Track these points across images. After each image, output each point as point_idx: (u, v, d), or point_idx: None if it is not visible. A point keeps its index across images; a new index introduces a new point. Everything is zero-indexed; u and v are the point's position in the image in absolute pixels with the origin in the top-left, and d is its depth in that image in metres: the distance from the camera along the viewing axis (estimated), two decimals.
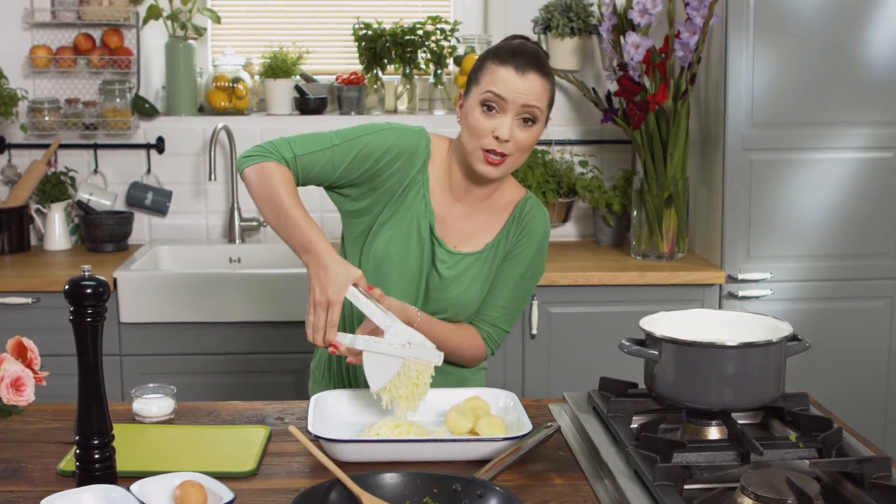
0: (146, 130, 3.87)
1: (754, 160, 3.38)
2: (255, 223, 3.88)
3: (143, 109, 3.81)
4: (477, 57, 2.26)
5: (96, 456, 1.67)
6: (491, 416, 1.94)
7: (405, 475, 1.64)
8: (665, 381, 1.82)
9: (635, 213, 3.60)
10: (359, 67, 3.92)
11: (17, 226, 3.70)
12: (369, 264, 2.18)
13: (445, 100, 3.97)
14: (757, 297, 3.42)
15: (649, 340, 1.84)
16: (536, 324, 3.40)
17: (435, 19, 3.86)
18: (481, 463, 1.78)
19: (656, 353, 1.81)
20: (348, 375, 2.29)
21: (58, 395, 2.14)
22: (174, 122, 3.88)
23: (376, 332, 1.96)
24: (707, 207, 3.55)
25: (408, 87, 3.91)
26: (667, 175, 3.52)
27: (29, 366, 1.73)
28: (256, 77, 4.01)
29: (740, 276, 3.42)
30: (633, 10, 3.47)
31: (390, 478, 1.63)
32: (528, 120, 2.10)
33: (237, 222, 3.85)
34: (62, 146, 3.84)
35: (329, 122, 3.82)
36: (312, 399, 1.99)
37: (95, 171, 3.88)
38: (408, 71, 3.89)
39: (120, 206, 3.88)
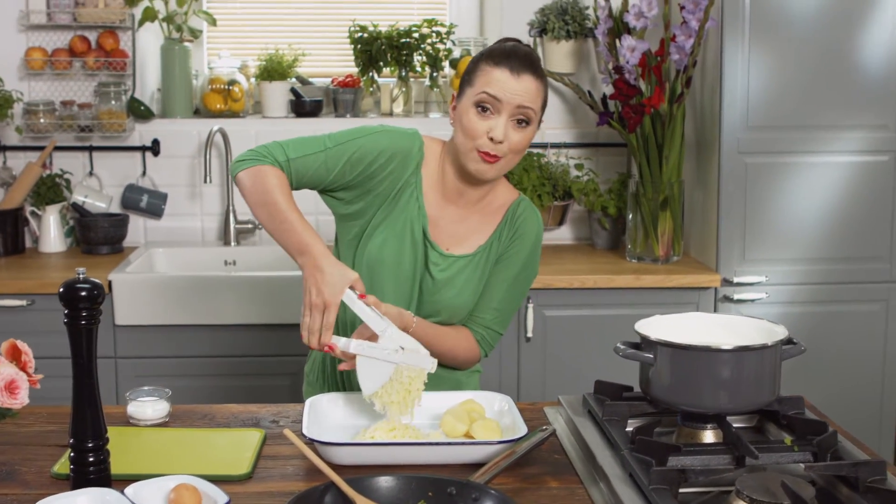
0: (141, 133, 3.87)
1: (749, 163, 3.39)
2: (250, 226, 3.88)
3: (139, 112, 3.81)
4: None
5: (91, 459, 1.67)
6: (486, 420, 1.94)
7: (400, 478, 1.64)
8: (660, 385, 1.81)
9: (631, 216, 3.60)
10: (354, 70, 3.92)
11: (11, 228, 3.69)
12: (363, 267, 2.18)
13: (441, 102, 3.97)
14: (752, 301, 3.42)
15: (644, 344, 1.84)
16: (532, 327, 3.40)
17: (431, 22, 3.86)
18: (476, 466, 1.78)
19: (651, 356, 1.81)
20: (342, 378, 2.29)
21: (52, 398, 2.14)
22: (169, 124, 3.88)
23: (372, 338, 1.96)
24: (702, 211, 3.55)
25: (403, 89, 3.91)
26: (662, 178, 3.52)
27: (23, 369, 1.73)
28: (252, 79, 4.01)
29: (736, 280, 3.42)
30: (628, 13, 3.47)
31: (385, 481, 1.63)
32: (523, 121, 2.10)
33: (232, 225, 3.85)
34: (57, 148, 3.84)
35: (325, 125, 3.80)
36: (307, 402, 1.98)
37: (90, 174, 3.87)
38: (403, 74, 3.89)
39: (115, 208, 3.87)
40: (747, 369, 1.77)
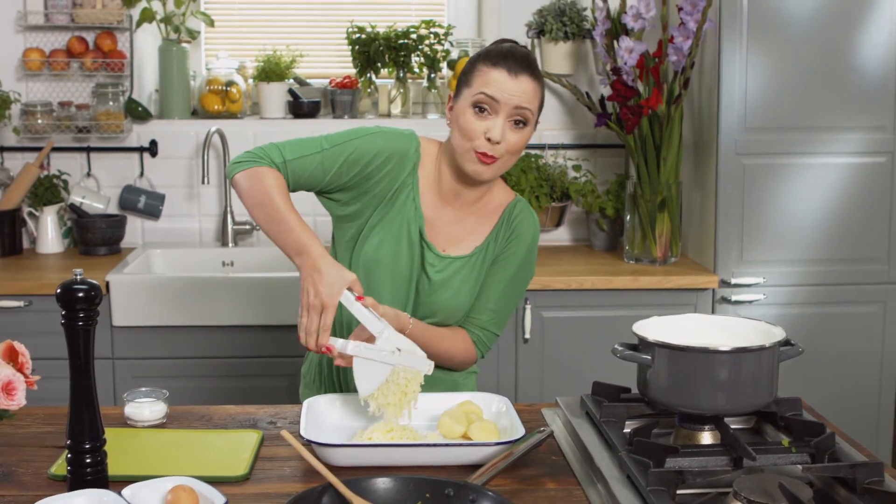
0: (139, 134, 3.87)
1: (747, 165, 3.39)
2: (247, 227, 3.87)
3: (137, 112, 3.81)
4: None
5: (88, 460, 1.67)
6: (484, 421, 1.93)
7: (398, 480, 1.64)
8: (658, 386, 1.81)
9: (628, 217, 3.60)
10: (352, 71, 3.92)
11: (9, 229, 3.69)
12: (360, 268, 2.18)
13: (439, 104, 3.97)
14: (750, 302, 3.42)
15: (642, 345, 1.84)
16: (529, 328, 3.40)
17: (429, 23, 3.86)
18: (474, 467, 1.78)
19: (649, 357, 1.81)
20: (339, 380, 2.29)
21: (50, 399, 2.13)
22: (167, 125, 3.88)
23: (369, 340, 1.96)
24: (700, 212, 3.55)
25: (401, 90, 3.91)
26: (660, 179, 3.52)
27: (20, 370, 1.73)
28: (250, 80, 4.01)
29: (733, 281, 3.42)
30: (626, 14, 3.48)
31: (383, 482, 1.63)
32: (520, 122, 2.10)
33: (230, 226, 3.85)
34: (55, 149, 3.84)
35: (322, 126, 3.81)
36: (305, 403, 1.98)
37: (88, 175, 3.87)
38: (401, 75, 3.89)
39: (113, 209, 3.87)
40: (745, 371, 1.77)
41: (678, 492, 1.60)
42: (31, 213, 3.78)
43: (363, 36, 3.84)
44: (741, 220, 3.41)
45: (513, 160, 2.14)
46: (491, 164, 2.10)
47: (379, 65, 3.85)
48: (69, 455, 1.67)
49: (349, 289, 1.95)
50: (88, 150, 3.85)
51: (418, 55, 3.86)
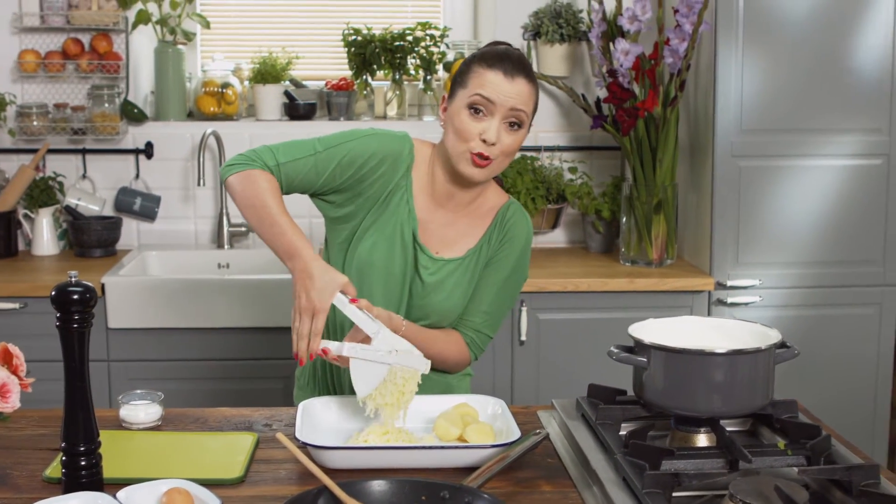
0: (135, 135, 3.87)
1: (743, 167, 3.39)
2: (243, 229, 3.87)
3: (132, 114, 3.80)
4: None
5: (82, 463, 1.66)
6: (479, 423, 1.93)
7: (393, 482, 1.64)
8: (654, 389, 1.81)
9: (624, 219, 3.60)
10: (348, 73, 3.92)
11: (4, 231, 3.68)
12: (353, 270, 2.17)
13: (435, 106, 3.97)
14: (746, 304, 3.42)
15: (638, 347, 1.84)
16: (525, 330, 3.40)
17: (425, 25, 3.85)
18: (470, 470, 1.78)
19: (645, 360, 1.81)
20: (333, 383, 2.28)
21: (45, 401, 2.13)
22: (163, 127, 3.87)
23: (364, 341, 1.96)
24: (696, 214, 3.56)
25: (397, 92, 3.91)
26: (656, 181, 3.52)
27: (14, 372, 1.72)
28: (246, 82, 4.00)
29: (729, 283, 3.42)
30: (622, 16, 3.48)
31: (378, 485, 1.63)
32: (515, 124, 2.10)
33: (226, 228, 3.85)
34: (50, 151, 3.83)
35: (318, 128, 3.81)
36: (300, 406, 1.98)
37: (84, 177, 3.86)
38: (397, 77, 3.88)
39: (108, 211, 3.87)
40: (741, 373, 1.77)
41: (674, 494, 1.60)
42: (26, 215, 3.78)
43: (359, 38, 3.83)
44: (737, 222, 3.41)
45: (507, 162, 2.14)
46: (485, 166, 2.10)
47: (375, 67, 3.85)
48: (64, 457, 1.67)
49: (342, 291, 1.95)
50: (84, 151, 3.85)
51: (414, 57, 3.86)
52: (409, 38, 3.83)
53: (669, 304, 3.40)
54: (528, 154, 3.89)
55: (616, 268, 3.57)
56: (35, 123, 3.75)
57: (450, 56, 3.90)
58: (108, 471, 1.72)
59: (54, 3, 3.74)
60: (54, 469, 1.78)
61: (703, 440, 1.82)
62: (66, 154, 3.86)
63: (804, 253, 3.44)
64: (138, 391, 2.08)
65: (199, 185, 3.65)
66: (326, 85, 3.93)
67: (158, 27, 3.80)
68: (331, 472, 1.73)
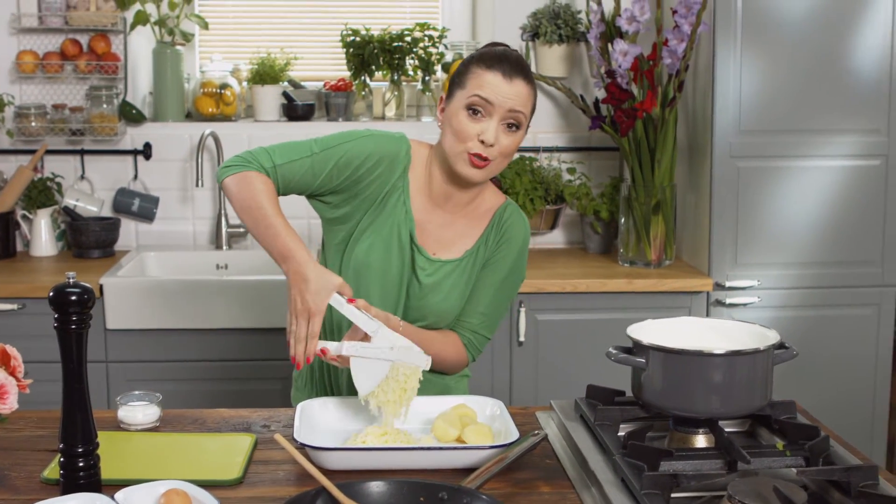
0: (133, 136, 3.86)
1: (742, 167, 3.39)
2: (242, 230, 3.87)
3: (131, 115, 3.80)
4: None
5: (80, 464, 1.66)
6: (478, 424, 1.93)
7: (392, 483, 1.63)
8: (652, 389, 1.81)
9: (623, 220, 3.60)
10: (347, 74, 3.92)
11: (2, 231, 3.68)
12: (350, 271, 2.17)
13: (433, 106, 3.97)
14: (744, 305, 3.42)
15: (636, 348, 1.84)
16: (524, 331, 3.39)
17: (423, 26, 3.85)
18: (468, 471, 1.77)
19: (643, 360, 1.81)
20: (330, 384, 2.28)
21: (44, 402, 2.13)
22: (161, 128, 3.87)
23: (363, 340, 1.96)
24: (694, 215, 3.56)
25: (396, 93, 3.91)
26: (654, 182, 3.52)
27: (12, 374, 1.72)
28: (244, 83, 4.00)
29: (728, 284, 3.42)
30: (620, 17, 3.48)
31: (376, 486, 1.63)
32: (513, 125, 2.10)
33: (224, 229, 3.84)
34: (49, 152, 3.83)
35: (317, 129, 3.81)
36: (298, 407, 1.98)
37: (82, 177, 3.86)
38: (396, 77, 3.88)
39: (106, 212, 3.87)
40: (739, 374, 1.77)
41: (672, 495, 1.60)
42: (24, 216, 3.77)
43: (357, 38, 3.83)
44: (735, 222, 3.41)
45: (505, 163, 2.14)
46: (483, 167, 2.10)
47: (373, 67, 3.85)
48: (62, 459, 1.67)
49: (338, 292, 1.95)
50: (82, 152, 3.84)
51: (413, 58, 3.86)
52: (408, 38, 3.83)
53: (668, 305, 3.40)
54: (527, 155, 3.89)
55: (614, 268, 3.57)
56: (33, 124, 3.75)
57: (448, 57, 3.89)
58: (107, 472, 1.72)
59: (52, 4, 3.73)
60: (52, 470, 1.78)
61: (701, 441, 1.82)
62: (64, 155, 3.86)
63: (803, 254, 3.44)
64: (136, 392, 2.07)
65: (197, 185, 3.65)
66: (325, 86, 3.93)
67: (157, 28, 3.80)
68: (329, 473, 1.73)
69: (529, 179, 3.77)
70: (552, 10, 3.83)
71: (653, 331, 1.90)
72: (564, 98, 3.92)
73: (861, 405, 3.51)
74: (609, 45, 3.57)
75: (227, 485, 1.75)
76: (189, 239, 3.93)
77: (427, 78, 3.89)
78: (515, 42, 3.85)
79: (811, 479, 1.64)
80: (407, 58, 3.85)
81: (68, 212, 3.74)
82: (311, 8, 4.08)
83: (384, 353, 1.92)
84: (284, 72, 3.93)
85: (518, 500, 1.70)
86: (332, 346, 1.94)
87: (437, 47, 3.87)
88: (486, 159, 2.09)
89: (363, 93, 3.92)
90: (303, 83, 4.02)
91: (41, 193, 3.75)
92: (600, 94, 3.75)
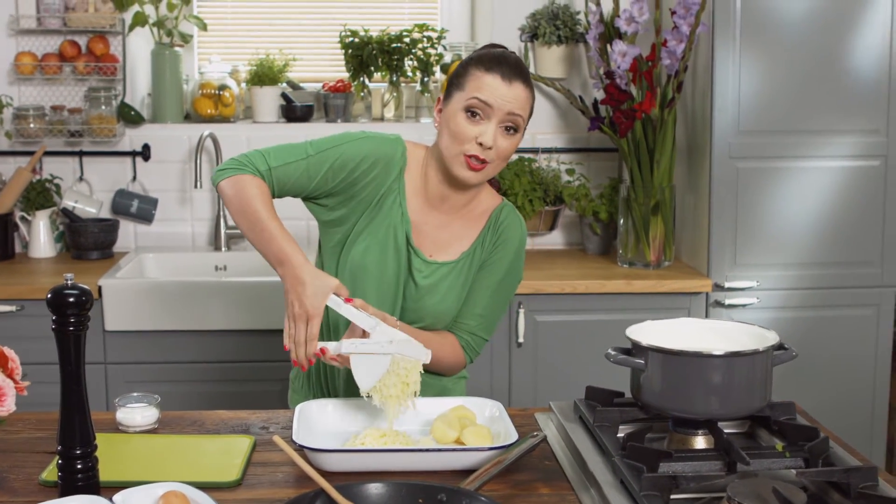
0: (132, 138, 3.86)
1: (741, 168, 3.39)
2: (240, 231, 3.86)
3: (129, 117, 3.80)
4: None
5: (79, 466, 1.66)
6: (477, 426, 1.93)
7: (390, 485, 1.63)
8: (651, 391, 1.81)
9: (622, 221, 3.60)
10: (345, 75, 3.92)
11: (1, 233, 3.68)
12: (346, 274, 2.17)
13: (432, 108, 3.96)
14: (744, 306, 3.42)
15: (636, 349, 1.83)
16: (523, 332, 3.39)
17: (422, 27, 3.85)
18: (467, 473, 1.77)
19: (643, 362, 1.81)
20: (328, 386, 2.28)
21: (43, 404, 2.13)
22: (160, 129, 3.87)
23: (363, 337, 1.96)
24: (694, 216, 3.55)
25: (394, 94, 3.91)
26: (653, 183, 3.52)
27: (10, 375, 1.72)
28: (243, 84, 4.00)
29: (727, 285, 3.42)
30: (619, 18, 3.47)
31: (375, 488, 1.63)
32: (511, 128, 2.09)
33: (223, 230, 3.84)
34: (47, 153, 3.83)
35: (315, 130, 3.81)
36: (297, 408, 1.98)
37: (81, 179, 3.86)
38: (394, 79, 3.88)
39: (105, 213, 3.86)
40: (738, 375, 1.76)
41: (672, 496, 1.60)
42: (23, 218, 3.77)
43: (356, 40, 3.83)
44: (735, 223, 3.41)
45: (501, 166, 2.14)
46: (480, 170, 2.10)
47: (372, 69, 3.85)
48: (60, 461, 1.67)
49: (335, 294, 1.95)
50: (81, 154, 3.84)
51: (411, 59, 3.86)
52: (407, 39, 3.83)
53: (667, 306, 3.39)
54: (526, 156, 3.88)
55: (613, 269, 3.57)
56: (32, 126, 3.74)
57: (447, 58, 3.89)
58: (105, 474, 1.72)
59: (51, 6, 3.73)
60: (50, 472, 1.78)
61: (700, 442, 1.81)
62: (62, 156, 3.85)
63: (802, 254, 3.43)
64: (135, 394, 2.07)
65: (196, 187, 3.65)
66: (323, 87, 3.93)
67: (155, 29, 3.79)
68: (328, 474, 1.73)
69: (528, 180, 3.77)
70: (551, 10, 3.83)
71: (652, 332, 1.90)
72: (563, 99, 3.92)
73: (860, 406, 3.50)
74: (608, 45, 3.57)
75: (226, 486, 1.75)
76: (188, 240, 3.93)
77: (426, 79, 3.89)
78: (514, 43, 3.85)
79: (811, 480, 1.64)
80: (406, 59, 3.85)
81: (67, 213, 3.74)
82: (309, 9, 4.08)
83: (383, 348, 1.92)
84: (283, 73, 3.92)
85: (517, 502, 1.70)
86: (331, 346, 1.94)
87: (436, 48, 3.87)
88: (483, 162, 2.08)
89: (362, 94, 3.92)
90: (301, 84, 4.01)
91: (40, 195, 3.75)
92: (599, 94, 3.75)
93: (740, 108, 3.36)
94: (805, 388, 3.40)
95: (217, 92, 3.89)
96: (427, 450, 1.82)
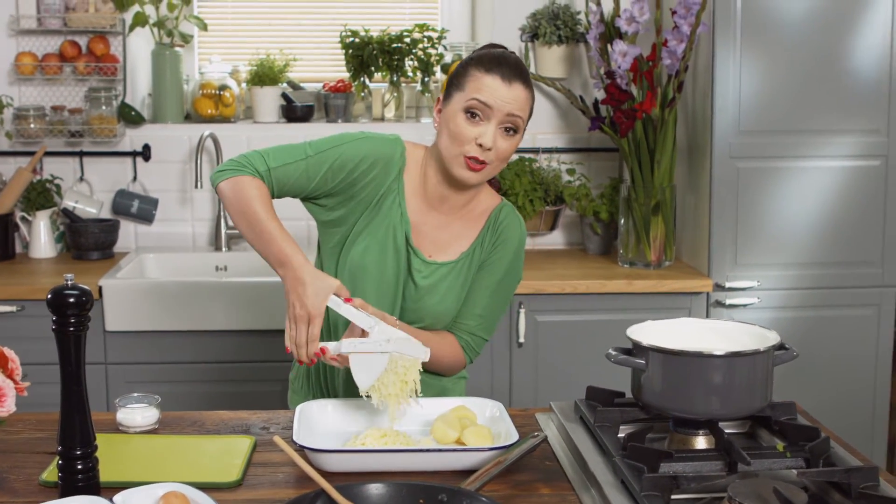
0: (132, 138, 3.86)
1: (741, 168, 3.38)
2: (240, 232, 3.86)
3: (129, 117, 3.80)
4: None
5: (79, 466, 1.66)
6: (477, 426, 1.93)
7: (391, 486, 1.63)
8: (652, 391, 1.81)
9: (622, 221, 3.60)
10: (346, 75, 3.92)
11: (1, 233, 3.68)
12: (345, 274, 2.17)
13: (433, 108, 3.96)
14: (744, 306, 3.42)
15: (636, 349, 1.83)
16: (523, 332, 3.39)
17: (422, 27, 3.85)
18: (467, 473, 1.77)
19: (643, 362, 1.81)
20: (327, 386, 2.28)
21: (43, 404, 2.13)
22: (160, 129, 3.87)
23: (362, 337, 1.96)
24: (694, 215, 3.55)
25: (395, 94, 3.91)
26: (654, 183, 3.52)
27: (10, 376, 1.72)
28: (243, 84, 4.00)
29: (727, 285, 3.42)
30: (620, 18, 3.47)
31: (376, 488, 1.63)
32: (510, 129, 2.09)
33: (223, 230, 3.84)
34: (48, 154, 3.83)
35: (316, 130, 3.81)
36: (297, 409, 1.98)
37: (81, 179, 3.86)
38: (395, 79, 3.88)
39: (106, 213, 3.86)
40: (739, 375, 1.76)
41: (672, 497, 1.60)
42: (23, 218, 3.77)
43: (357, 40, 3.83)
44: (735, 223, 3.40)
45: (501, 166, 2.14)
46: (479, 170, 2.09)
47: (372, 69, 3.85)
48: (60, 461, 1.67)
49: (336, 294, 1.95)
50: (81, 154, 3.84)
51: (412, 59, 3.86)
52: (407, 39, 3.83)
53: (668, 306, 3.39)
54: (526, 156, 3.88)
55: (614, 269, 3.57)
56: (32, 126, 3.74)
57: (447, 58, 3.89)
58: (105, 474, 1.72)
59: (51, 6, 3.73)
60: (51, 473, 1.78)
61: (701, 442, 1.81)
62: (63, 156, 3.85)
63: (802, 254, 3.43)
64: (135, 394, 2.07)
65: (196, 187, 3.65)
66: (324, 87, 3.93)
67: (156, 30, 3.79)
68: (328, 475, 1.73)
69: (529, 180, 3.77)
70: (551, 10, 3.83)
71: (652, 332, 1.90)
72: (564, 99, 3.92)
73: (861, 406, 3.50)
74: (608, 45, 3.57)
75: (226, 487, 1.75)
76: (188, 240, 3.92)
77: (426, 79, 3.89)
78: (514, 43, 3.85)
79: (811, 480, 1.64)
80: (406, 59, 3.85)
81: (67, 213, 3.74)
82: (310, 9, 4.08)
83: (381, 346, 1.92)
84: (283, 73, 3.92)
85: (518, 502, 1.70)
86: (331, 346, 1.94)
87: (437, 48, 3.87)
88: (482, 163, 2.08)
89: (362, 94, 3.92)
90: (302, 84, 4.01)
91: (40, 195, 3.75)
92: (600, 94, 3.75)
93: (741, 108, 3.36)
94: (806, 388, 3.40)
95: (217, 92, 3.89)
96: (428, 450, 1.82)
